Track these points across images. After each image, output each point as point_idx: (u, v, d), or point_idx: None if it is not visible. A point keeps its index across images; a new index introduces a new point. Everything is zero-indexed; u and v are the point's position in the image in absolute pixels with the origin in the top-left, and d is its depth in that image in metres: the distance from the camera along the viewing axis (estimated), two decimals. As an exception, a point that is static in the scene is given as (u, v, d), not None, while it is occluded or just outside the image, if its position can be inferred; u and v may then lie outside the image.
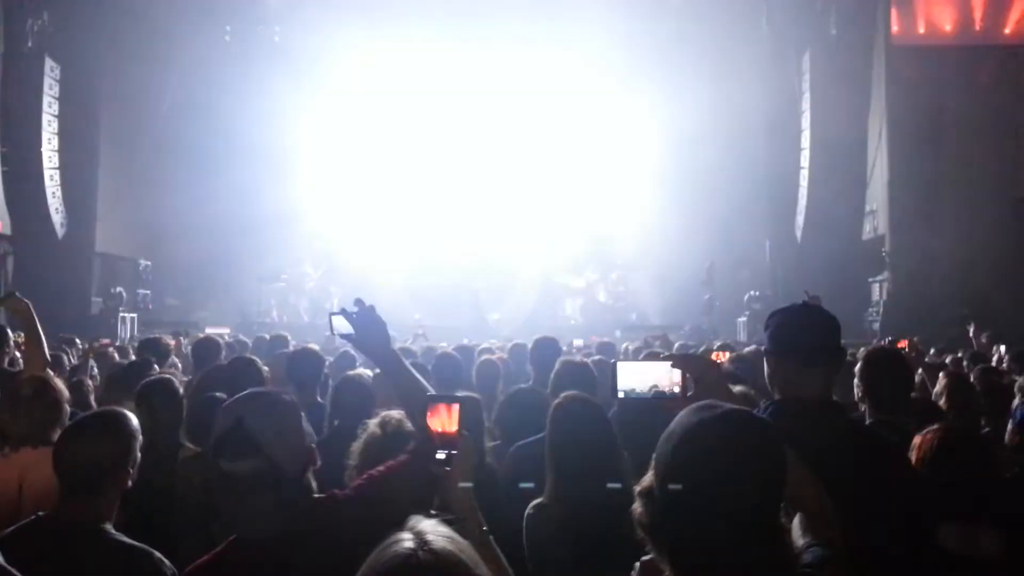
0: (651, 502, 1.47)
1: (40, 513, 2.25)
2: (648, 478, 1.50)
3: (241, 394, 1.98)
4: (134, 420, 2.39)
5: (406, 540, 1.20)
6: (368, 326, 2.17)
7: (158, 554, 2.20)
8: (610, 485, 2.50)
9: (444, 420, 1.93)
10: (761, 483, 1.41)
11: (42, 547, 2.13)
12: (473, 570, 1.20)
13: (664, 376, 2.01)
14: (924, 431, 2.49)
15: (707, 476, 1.39)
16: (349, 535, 1.27)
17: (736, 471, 1.39)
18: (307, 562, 1.78)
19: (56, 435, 3.04)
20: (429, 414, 1.94)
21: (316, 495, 1.97)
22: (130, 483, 2.32)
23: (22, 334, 8.33)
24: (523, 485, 2.78)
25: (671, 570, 1.44)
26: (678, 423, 1.48)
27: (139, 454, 2.36)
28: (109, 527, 2.24)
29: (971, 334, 8.62)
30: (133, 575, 2.13)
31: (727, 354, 5.21)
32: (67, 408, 3.23)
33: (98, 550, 2.16)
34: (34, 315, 4.16)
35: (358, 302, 2.20)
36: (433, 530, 1.23)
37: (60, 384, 3.32)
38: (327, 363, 4.66)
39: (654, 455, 1.51)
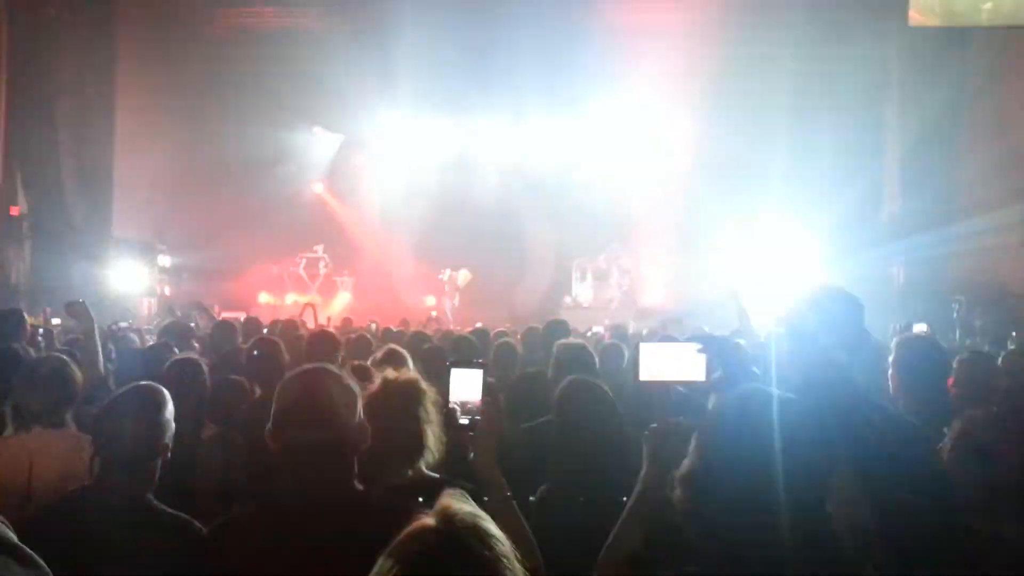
0: (692, 487, 1.46)
1: (85, 483, 2.33)
2: (688, 463, 1.49)
3: (308, 366, 2.00)
4: (168, 396, 2.46)
5: (431, 521, 1.21)
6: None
7: (197, 523, 2.26)
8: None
9: (467, 386, 1.92)
10: (809, 469, 1.40)
11: (87, 517, 2.20)
12: (498, 554, 1.20)
13: (687, 360, 2.00)
14: (958, 419, 2.48)
15: (757, 461, 1.38)
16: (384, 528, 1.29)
17: (787, 457, 1.38)
18: (340, 537, 1.75)
19: (67, 418, 3.11)
20: (451, 380, 1.93)
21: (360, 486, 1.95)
22: (169, 455, 2.40)
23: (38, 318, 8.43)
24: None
25: (713, 553, 1.44)
26: (723, 409, 1.47)
27: (174, 426, 2.43)
28: (150, 496, 2.31)
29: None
30: (175, 542, 2.19)
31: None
32: (80, 392, 3.26)
33: (142, 518, 2.23)
34: (95, 324, 4.28)
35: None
36: (460, 510, 1.23)
37: (76, 369, 3.34)
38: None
39: (695, 440, 1.50)
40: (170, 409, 2.42)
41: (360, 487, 1.92)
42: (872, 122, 14.95)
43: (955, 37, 14.01)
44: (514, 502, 1.90)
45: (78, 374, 3.26)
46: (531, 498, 2.78)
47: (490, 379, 2.09)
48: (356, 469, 1.93)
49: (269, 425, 1.91)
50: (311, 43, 17.31)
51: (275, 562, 1.77)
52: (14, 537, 1.43)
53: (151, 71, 16.71)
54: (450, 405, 1.96)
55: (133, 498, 2.27)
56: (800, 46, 15.49)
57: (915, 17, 13.99)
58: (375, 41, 16.62)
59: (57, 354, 3.52)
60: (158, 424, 2.37)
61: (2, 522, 1.40)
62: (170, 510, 2.31)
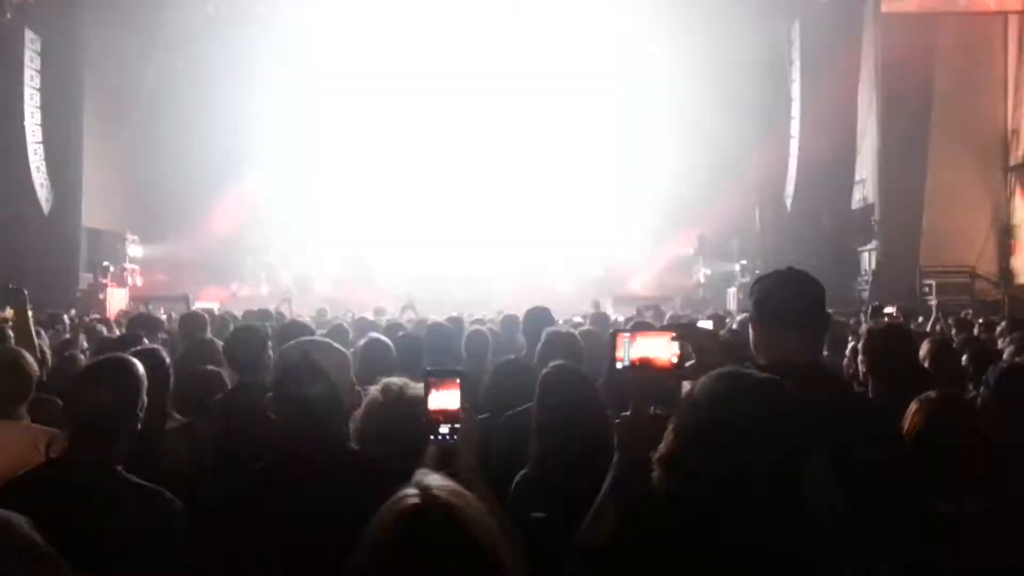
0: (671, 469, 1.47)
1: (52, 456, 2.35)
2: (666, 445, 1.49)
3: (302, 339, 2.33)
4: (141, 367, 2.46)
5: (412, 495, 1.24)
6: None
7: (168, 493, 2.27)
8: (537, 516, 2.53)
9: (446, 396, 1.94)
10: (790, 452, 1.42)
11: (55, 488, 2.18)
12: (479, 522, 1.24)
13: (662, 347, 2.01)
14: (915, 399, 2.53)
15: (739, 443, 1.39)
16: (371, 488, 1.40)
17: (769, 440, 1.40)
18: (332, 491, 1.98)
19: (21, 411, 3.09)
20: (430, 390, 1.95)
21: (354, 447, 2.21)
22: (139, 427, 2.41)
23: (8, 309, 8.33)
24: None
25: (690, 536, 1.45)
26: (704, 391, 1.48)
27: (146, 399, 2.44)
28: (120, 468, 2.30)
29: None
30: (146, 512, 2.20)
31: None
32: (34, 387, 3.22)
33: (111, 489, 2.23)
34: (28, 311, 4.28)
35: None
36: (439, 484, 1.27)
37: (33, 361, 3.29)
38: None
39: (673, 422, 1.51)
40: (141, 380, 2.42)
41: (355, 447, 2.20)
42: (845, 104, 15.05)
43: (927, 23, 14.14)
44: (497, 505, 1.91)
45: (34, 367, 3.22)
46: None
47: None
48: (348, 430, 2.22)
49: (270, 391, 2.20)
50: (285, 27, 17.16)
51: (274, 517, 1.98)
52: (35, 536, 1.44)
53: (120, 57, 16.46)
54: (429, 414, 1.98)
55: (99, 470, 2.26)
56: (770, 32, 15.60)
57: (888, 3, 14.10)
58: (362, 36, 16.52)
59: (14, 347, 3.47)
60: (128, 396, 2.37)
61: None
62: (139, 480, 2.30)
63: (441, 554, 1.19)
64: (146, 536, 2.10)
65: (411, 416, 2.32)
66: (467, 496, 1.27)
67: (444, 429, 1.95)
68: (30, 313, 4.33)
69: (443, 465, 1.92)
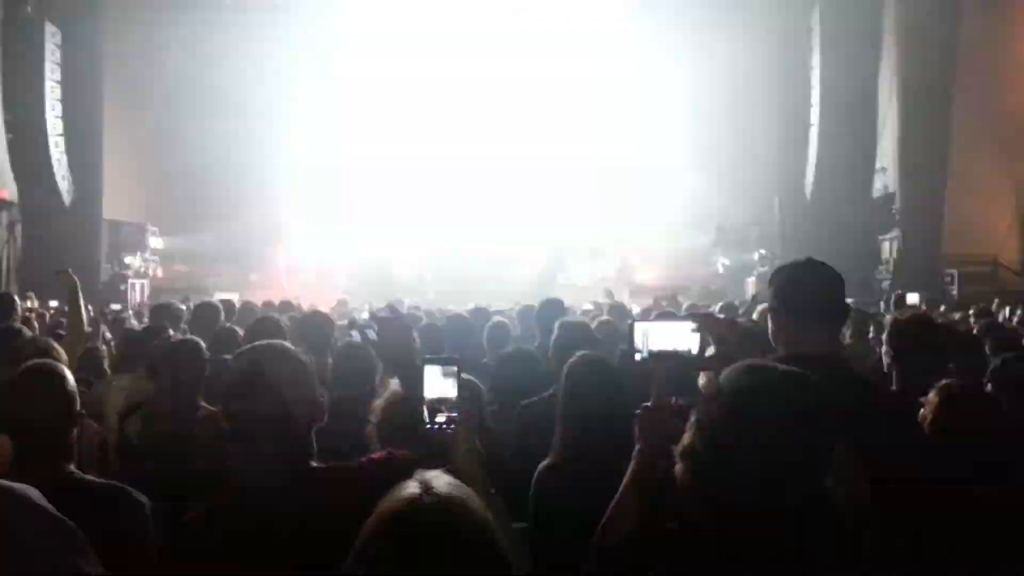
0: (695, 463, 1.46)
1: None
2: (688, 438, 1.48)
3: (257, 343, 1.97)
4: (67, 372, 2.35)
5: (411, 486, 1.24)
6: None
7: (133, 491, 2.18)
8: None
9: (442, 383, 1.89)
10: (815, 446, 1.41)
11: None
12: (477, 513, 1.23)
13: (681, 337, 1.99)
14: (934, 390, 2.52)
15: (763, 437, 1.38)
16: (349, 505, 1.32)
17: (793, 433, 1.39)
18: (300, 520, 1.74)
19: None
20: (425, 377, 1.89)
21: (316, 463, 1.90)
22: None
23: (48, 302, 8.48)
24: None
25: (715, 530, 1.44)
26: (727, 383, 1.47)
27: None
28: (72, 467, 2.21)
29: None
30: (108, 511, 2.11)
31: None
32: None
33: (67, 491, 2.06)
34: (79, 291, 4.49)
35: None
36: (438, 477, 1.26)
37: (62, 351, 3.31)
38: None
39: (695, 415, 1.50)
40: (71, 380, 2.32)
41: (314, 464, 1.89)
42: (866, 92, 14.87)
43: (950, 9, 13.93)
44: (500, 498, 1.88)
45: (64, 355, 3.24)
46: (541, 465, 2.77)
47: (466, 376, 2.03)
48: (312, 445, 1.91)
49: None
50: (306, 16, 17.19)
51: (235, 549, 1.73)
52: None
53: (141, 49, 16.56)
54: (425, 402, 1.92)
55: (54, 473, 2.15)
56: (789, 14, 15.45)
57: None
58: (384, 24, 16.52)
59: (44, 337, 3.51)
60: (67, 395, 2.26)
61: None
62: (99, 480, 2.22)
63: (439, 545, 1.17)
64: (109, 535, 1.89)
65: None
66: (466, 489, 1.26)
67: (440, 418, 1.90)
68: (81, 298, 4.53)
69: (441, 456, 1.89)
